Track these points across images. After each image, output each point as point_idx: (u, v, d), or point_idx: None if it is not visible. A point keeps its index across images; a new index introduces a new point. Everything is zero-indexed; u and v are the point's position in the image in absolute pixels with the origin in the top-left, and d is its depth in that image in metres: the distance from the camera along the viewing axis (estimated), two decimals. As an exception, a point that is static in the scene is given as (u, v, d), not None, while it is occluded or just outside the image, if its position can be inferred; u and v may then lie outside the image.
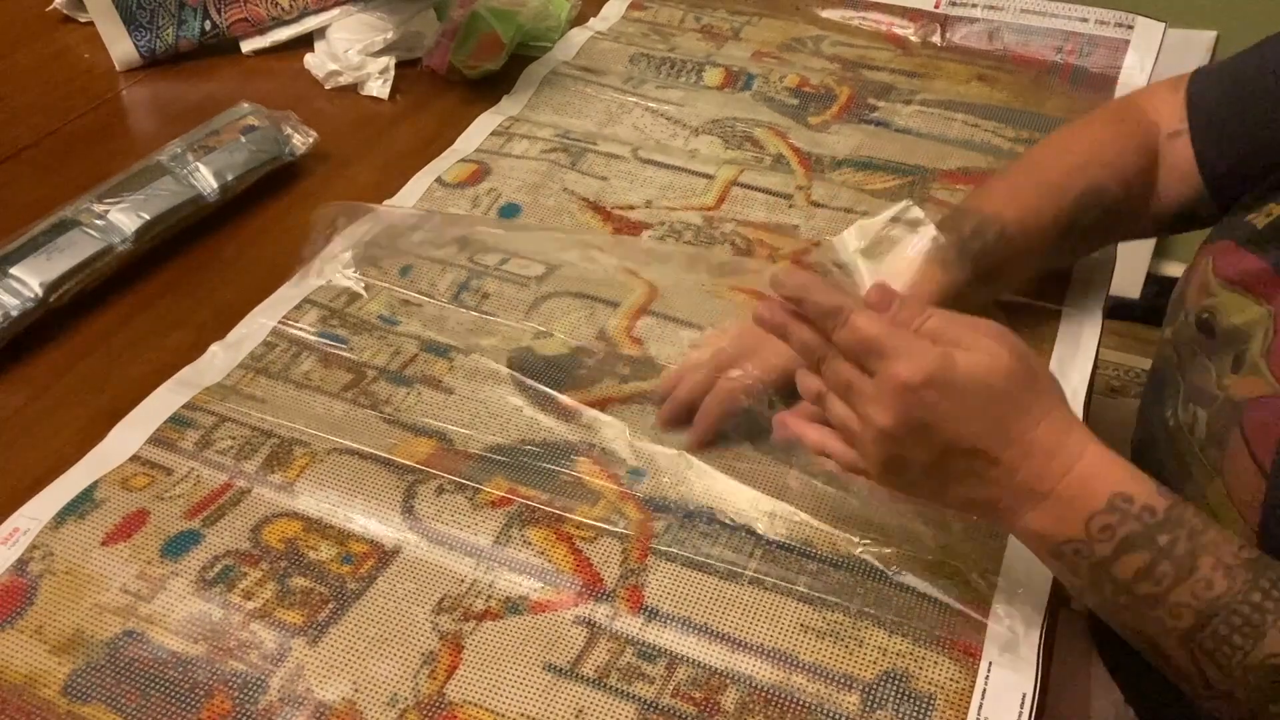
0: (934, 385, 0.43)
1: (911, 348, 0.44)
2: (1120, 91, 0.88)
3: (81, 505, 0.55)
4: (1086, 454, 0.44)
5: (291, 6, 0.92)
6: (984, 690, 0.46)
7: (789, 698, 0.47)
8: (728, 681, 0.47)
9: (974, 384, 0.43)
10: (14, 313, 0.64)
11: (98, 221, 0.69)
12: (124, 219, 0.70)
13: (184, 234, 0.73)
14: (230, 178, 0.75)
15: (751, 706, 0.46)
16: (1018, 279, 0.64)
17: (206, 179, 0.74)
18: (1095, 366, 0.66)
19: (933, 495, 0.47)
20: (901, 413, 0.43)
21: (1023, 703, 0.46)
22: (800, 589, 0.51)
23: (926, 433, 0.44)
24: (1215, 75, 0.64)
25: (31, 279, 0.65)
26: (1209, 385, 0.58)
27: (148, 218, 0.70)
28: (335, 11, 0.91)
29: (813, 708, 0.46)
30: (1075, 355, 0.64)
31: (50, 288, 0.65)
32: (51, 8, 0.99)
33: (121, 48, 0.91)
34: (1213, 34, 0.90)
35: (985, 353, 0.44)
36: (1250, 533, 0.54)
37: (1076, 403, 0.61)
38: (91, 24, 0.92)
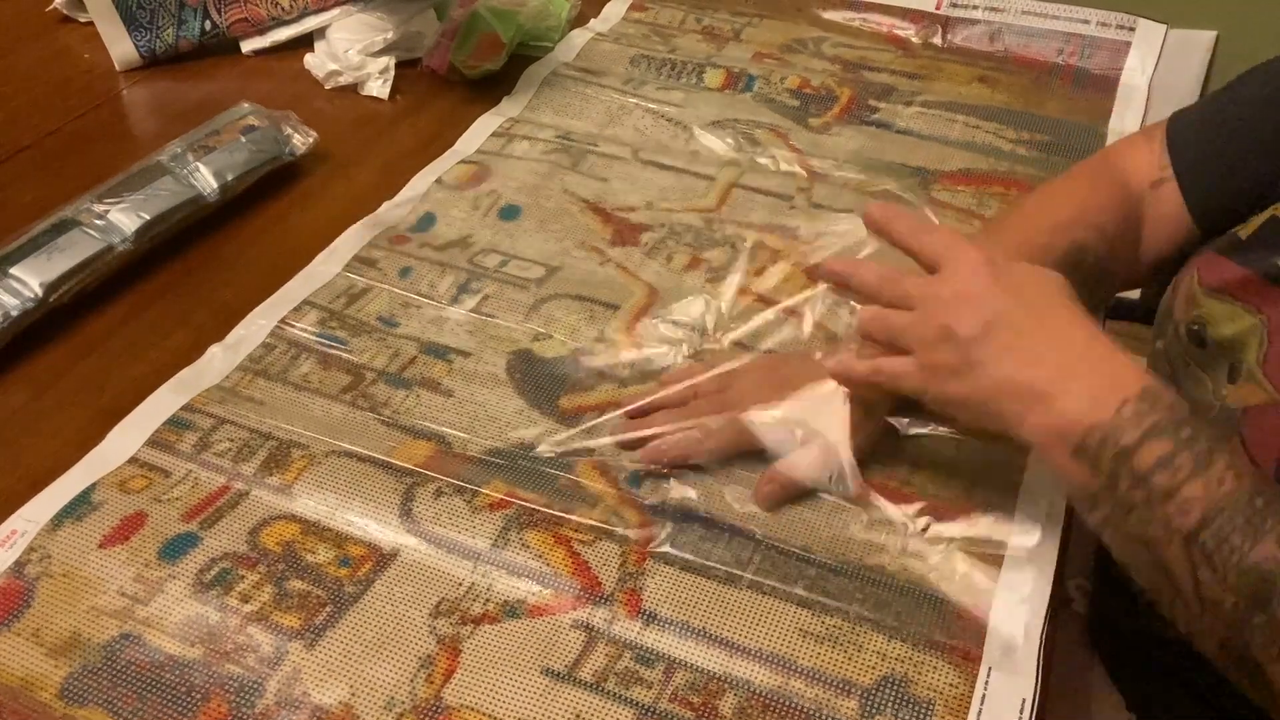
0: (990, 261, 0.50)
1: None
2: (1122, 92, 0.88)
3: (79, 507, 0.55)
4: (1119, 352, 0.48)
5: (291, 6, 0.92)
6: (983, 696, 0.46)
7: (787, 703, 0.46)
8: (726, 686, 0.47)
9: (1025, 269, 0.51)
10: (14, 313, 0.64)
11: (98, 221, 0.69)
12: (124, 219, 0.70)
13: (184, 234, 0.73)
14: (230, 178, 0.75)
15: (749, 712, 0.46)
16: None
17: (206, 179, 0.74)
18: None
19: (974, 383, 0.48)
20: (952, 282, 0.49)
21: (1022, 708, 0.46)
22: (799, 593, 0.51)
23: (978, 302, 0.48)
24: (1192, 118, 0.65)
25: (31, 279, 0.65)
26: (1205, 395, 0.58)
27: (148, 218, 0.70)
28: (335, 11, 0.91)
29: (811, 713, 0.46)
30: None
31: (50, 288, 0.65)
32: (51, 8, 0.99)
33: (121, 48, 0.91)
34: (1213, 34, 0.90)
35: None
36: None
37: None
38: (91, 24, 0.92)
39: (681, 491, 0.56)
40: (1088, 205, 0.64)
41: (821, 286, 0.62)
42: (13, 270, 0.65)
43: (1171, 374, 0.61)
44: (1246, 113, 0.62)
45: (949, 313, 0.49)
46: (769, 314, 0.67)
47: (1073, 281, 0.62)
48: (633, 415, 0.60)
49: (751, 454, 0.57)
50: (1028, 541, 0.53)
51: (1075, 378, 0.47)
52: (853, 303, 0.66)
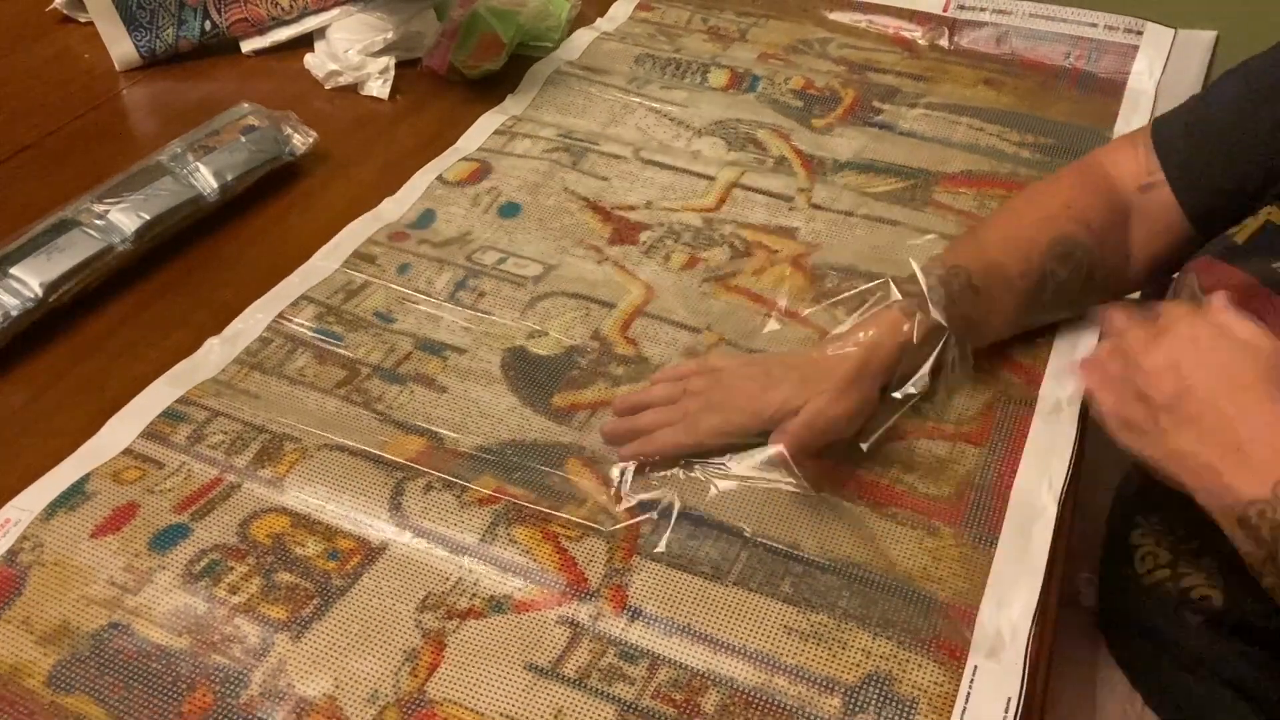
0: (1213, 326, 0.52)
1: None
2: (1129, 96, 0.88)
3: (73, 497, 0.55)
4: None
5: (291, 6, 0.92)
6: (968, 694, 0.46)
7: (770, 700, 0.46)
8: (709, 683, 0.47)
9: (1247, 335, 0.51)
10: (14, 313, 0.64)
11: (98, 221, 0.69)
12: (124, 219, 0.70)
13: (184, 234, 0.74)
14: (230, 178, 0.75)
15: (732, 709, 0.46)
16: (997, 329, 0.63)
17: (206, 179, 0.75)
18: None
19: (1155, 447, 0.52)
20: (1165, 347, 0.52)
21: (1007, 707, 0.45)
22: (785, 590, 0.51)
23: (1178, 371, 0.51)
24: (1175, 122, 0.66)
25: (31, 279, 0.65)
26: None
27: (148, 218, 0.71)
28: (335, 11, 0.91)
29: (794, 710, 0.46)
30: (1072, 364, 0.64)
31: (50, 288, 0.66)
32: (51, 8, 1.00)
33: (121, 48, 0.91)
34: (1213, 34, 0.89)
35: (1252, 327, 0.52)
36: None
37: (1072, 411, 0.61)
38: (91, 24, 0.93)
39: (670, 489, 0.56)
40: (1073, 202, 0.65)
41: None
42: (13, 270, 0.65)
43: None
44: (1230, 114, 0.62)
45: (1150, 377, 0.52)
46: (763, 313, 0.67)
47: (1063, 275, 0.62)
48: (620, 412, 0.60)
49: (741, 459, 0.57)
50: (1019, 542, 0.53)
51: (1245, 455, 0.49)
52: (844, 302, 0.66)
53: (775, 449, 0.55)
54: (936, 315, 0.59)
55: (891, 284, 0.60)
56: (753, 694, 0.47)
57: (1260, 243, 0.58)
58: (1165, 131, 0.66)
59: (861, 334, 0.59)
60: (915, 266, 0.60)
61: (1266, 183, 0.58)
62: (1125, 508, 0.67)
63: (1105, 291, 0.65)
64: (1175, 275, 0.63)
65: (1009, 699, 0.46)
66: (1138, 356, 0.53)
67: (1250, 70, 0.62)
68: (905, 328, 0.58)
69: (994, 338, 0.63)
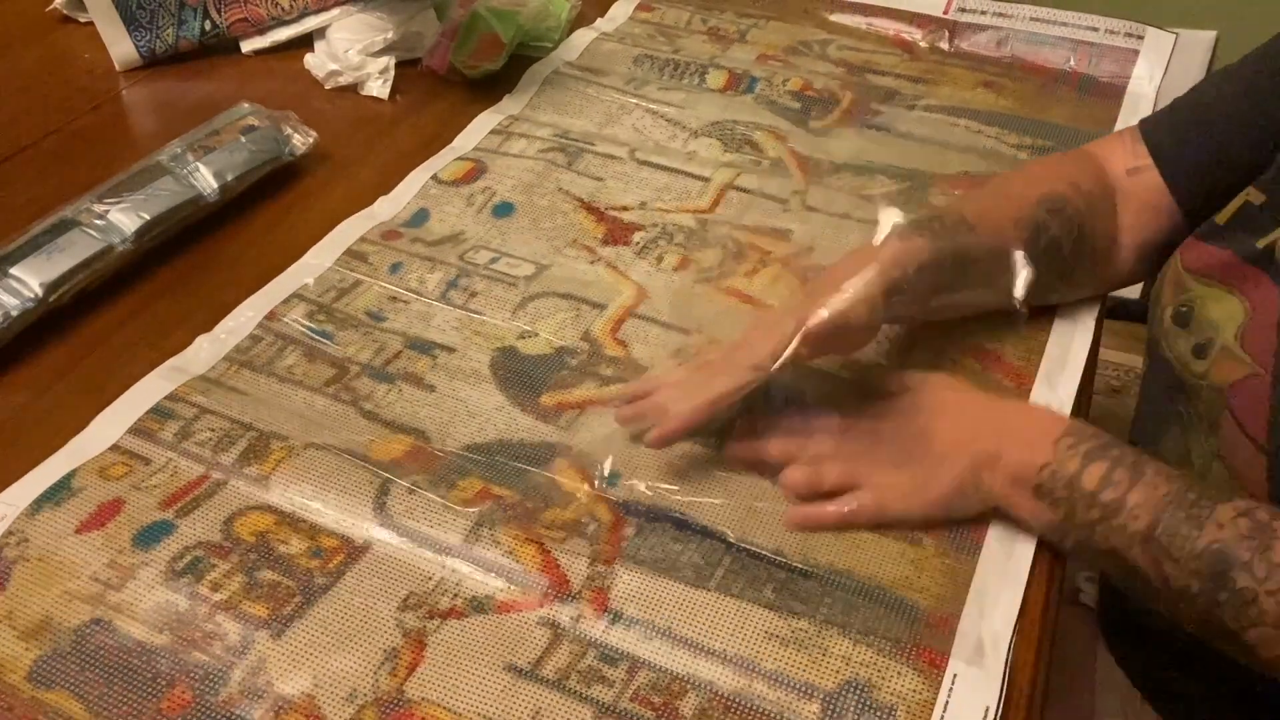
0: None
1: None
2: (1128, 100, 0.87)
3: (59, 493, 0.55)
4: (1034, 405, 0.58)
5: (291, 6, 0.92)
6: (946, 703, 0.46)
7: (748, 705, 0.46)
8: (688, 687, 0.47)
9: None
10: (14, 313, 0.64)
11: (98, 221, 0.70)
12: (124, 219, 0.70)
13: (184, 234, 0.74)
14: (230, 178, 0.75)
15: (710, 713, 0.46)
16: (988, 279, 0.61)
17: (206, 179, 0.75)
18: (1095, 367, 0.65)
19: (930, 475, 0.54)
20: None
21: (985, 715, 0.45)
22: (767, 596, 0.50)
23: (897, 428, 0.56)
24: (1163, 118, 0.67)
25: (31, 279, 0.65)
26: (1186, 375, 0.59)
27: (148, 218, 0.71)
28: (335, 11, 0.91)
29: (772, 715, 0.46)
30: (1065, 365, 0.63)
31: (50, 288, 0.66)
32: (51, 8, 1.00)
33: (121, 48, 0.92)
34: (1213, 34, 0.88)
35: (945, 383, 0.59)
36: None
37: (1065, 412, 0.60)
38: (91, 24, 0.93)
39: (656, 492, 0.55)
40: (1062, 171, 0.66)
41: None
42: (13, 270, 0.66)
43: (1153, 361, 0.62)
44: (1217, 104, 0.64)
45: (880, 448, 0.56)
46: (754, 315, 0.67)
47: (1055, 230, 0.62)
48: (636, 397, 0.60)
49: (727, 462, 0.57)
50: (1002, 550, 0.53)
51: (1016, 433, 0.53)
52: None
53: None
54: (933, 240, 0.58)
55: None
56: (731, 698, 0.46)
57: (1240, 220, 0.59)
58: (1153, 123, 0.67)
59: (858, 263, 0.57)
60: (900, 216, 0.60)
61: (1251, 169, 0.59)
62: None
63: (1096, 268, 0.65)
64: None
65: (987, 707, 0.45)
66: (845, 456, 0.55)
67: (1238, 65, 0.64)
68: (901, 250, 0.57)
69: (986, 299, 0.62)
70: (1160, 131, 0.66)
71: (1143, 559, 0.49)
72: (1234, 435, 0.56)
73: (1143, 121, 0.68)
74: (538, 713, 0.46)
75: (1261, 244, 0.57)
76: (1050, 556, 0.53)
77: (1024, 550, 0.53)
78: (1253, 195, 0.59)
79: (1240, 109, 0.63)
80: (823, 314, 0.53)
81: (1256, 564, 0.46)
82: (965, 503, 0.53)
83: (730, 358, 0.58)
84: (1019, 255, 0.60)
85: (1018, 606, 0.50)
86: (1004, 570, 0.51)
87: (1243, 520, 0.47)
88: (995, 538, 0.53)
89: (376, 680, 0.47)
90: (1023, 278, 0.59)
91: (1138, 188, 0.65)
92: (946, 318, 0.64)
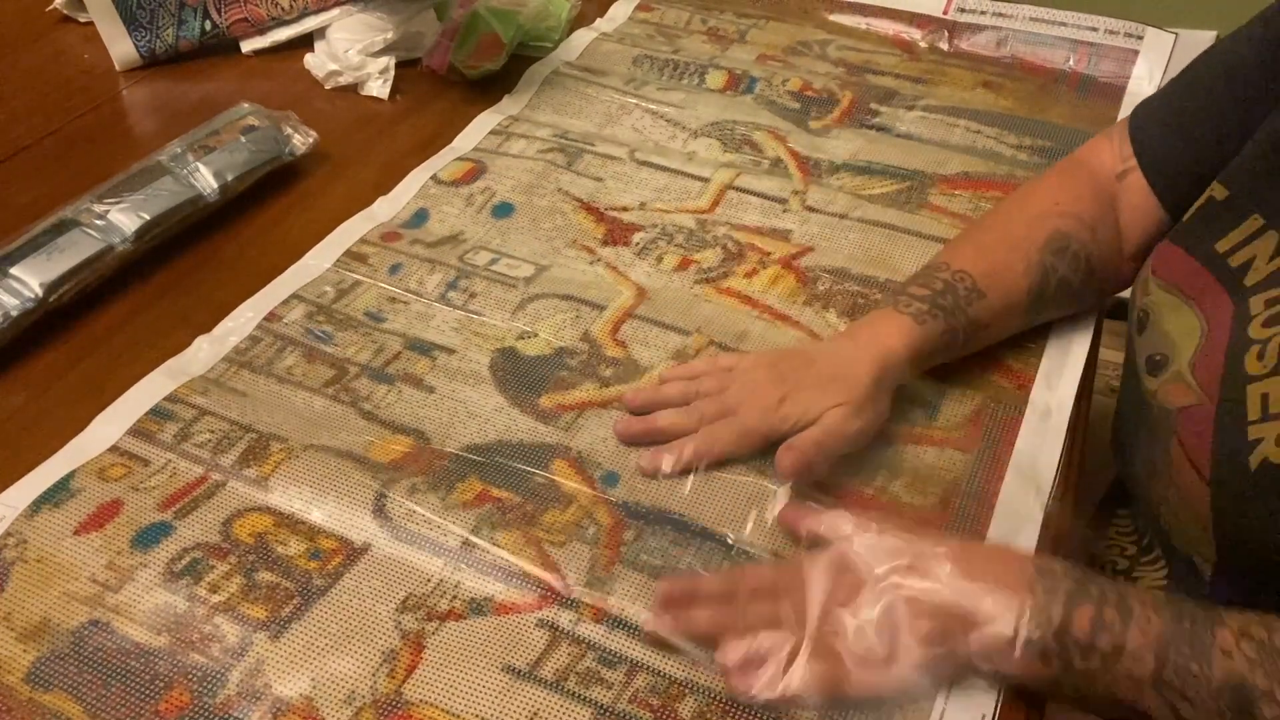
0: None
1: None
2: (1128, 100, 0.87)
3: (58, 494, 0.55)
4: (980, 543, 0.51)
5: (291, 6, 0.92)
6: (943, 711, 0.45)
7: (746, 709, 0.46)
8: (686, 690, 0.47)
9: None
10: (14, 313, 0.64)
11: (98, 221, 0.70)
12: (124, 219, 0.70)
13: (184, 234, 0.74)
14: (230, 178, 0.75)
15: (709, 716, 0.46)
16: (1003, 330, 0.63)
17: (206, 179, 0.75)
18: (1095, 367, 0.65)
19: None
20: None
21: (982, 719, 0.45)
22: None
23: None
24: (1153, 106, 0.65)
25: (31, 279, 0.65)
26: (1141, 388, 0.58)
27: (148, 218, 0.71)
28: (335, 11, 0.91)
29: (771, 718, 0.46)
30: (1064, 366, 0.63)
31: (50, 288, 0.66)
32: (51, 8, 1.00)
33: (121, 48, 0.92)
34: (1212, 34, 0.88)
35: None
36: (1207, 540, 0.53)
37: (1063, 414, 0.60)
38: (91, 24, 0.93)
39: (656, 494, 0.55)
40: (1061, 197, 0.65)
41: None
42: (13, 270, 0.66)
43: (1126, 360, 0.62)
44: (1197, 94, 0.62)
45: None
46: (753, 315, 0.67)
47: (1063, 270, 0.62)
48: (634, 409, 0.60)
49: (727, 464, 0.57)
50: (1002, 551, 0.53)
51: (980, 591, 0.46)
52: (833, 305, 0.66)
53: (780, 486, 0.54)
54: (947, 320, 0.59)
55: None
56: (730, 701, 0.46)
57: (1200, 219, 0.57)
58: (1141, 118, 0.65)
59: (870, 336, 0.58)
60: (918, 270, 0.60)
61: (1224, 160, 0.58)
62: (1095, 510, 0.67)
63: (1105, 283, 0.65)
64: None
65: (983, 715, 0.45)
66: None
67: (1219, 49, 0.62)
68: (917, 334, 0.58)
69: (999, 339, 0.63)
70: (1147, 125, 0.65)
71: (1156, 703, 0.45)
72: (1180, 461, 0.54)
73: (1135, 110, 0.66)
74: (536, 714, 0.46)
75: (1220, 247, 0.55)
76: (1050, 555, 0.53)
77: (1027, 548, 0.52)
78: (1216, 190, 0.57)
79: (1215, 95, 0.60)
80: (811, 456, 0.54)
81: (1277, 691, 0.43)
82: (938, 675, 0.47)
83: (736, 408, 0.57)
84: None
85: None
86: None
87: (1246, 644, 0.44)
88: (997, 537, 0.53)
89: (375, 682, 0.47)
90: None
91: (1127, 191, 0.64)
92: None
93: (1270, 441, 0.48)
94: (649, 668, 0.48)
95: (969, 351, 0.62)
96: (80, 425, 0.60)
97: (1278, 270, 0.52)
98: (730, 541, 0.53)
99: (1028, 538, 0.53)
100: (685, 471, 0.56)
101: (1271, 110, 0.55)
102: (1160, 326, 0.58)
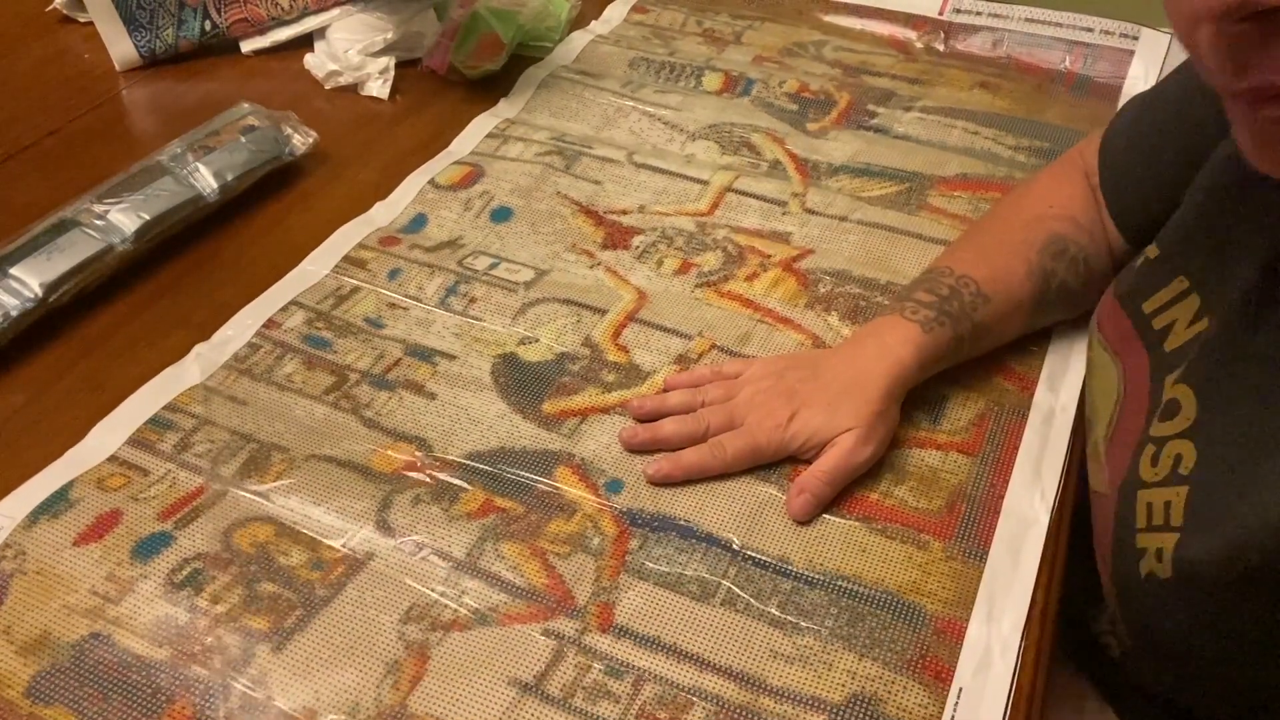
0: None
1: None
2: (1124, 101, 0.87)
3: (56, 504, 0.55)
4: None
5: (291, 6, 0.92)
6: (953, 717, 0.45)
7: (755, 718, 0.46)
8: (694, 700, 0.47)
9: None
10: (14, 313, 0.64)
11: (98, 221, 0.69)
12: (124, 219, 0.70)
13: (184, 234, 0.73)
14: (230, 178, 0.75)
15: (717, 725, 0.46)
16: (1001, 337, 0.63)
17: (206, 179, 0.74)
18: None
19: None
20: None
21: (992, 729, 0.45)
22: (773, 612, 0.50)
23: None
24: (1127, 115, 0.64)
25: (31, 279, 0.65)
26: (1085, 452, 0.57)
27: (148, 218, 0.70)
28: (335, 11, 0.90)
29: (779, 728, 0.45)
30: (1067, 368, 0.63)
31: (50, 288, 0.65)
32: (51, 8, 0.99)
33: (121, 48, 0.91)
34: (1212, 35, 0.88)
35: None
36: (1119, 616, 0.52)
37: (1067, 416, 0.60)
38: (91, 24, 0.92)
39: (661, 499, 0.55)
40: (1056, 200, 0.64)
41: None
42: (13, 270, 0.65)
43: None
44: (1162, 118, 0.60)
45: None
46: (755, 318, 0.67)
47: (1062, 274, 0.61)
48: (639, 416, 0.59)
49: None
50: (1009, 555, 0.53)
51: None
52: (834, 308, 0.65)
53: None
54: (954, 327, 0.58)
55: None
56: (738, 711, 0.46)
57: (1135, 273, 0.56)
58: (1116, 124, 0.64)
59: (879, 347, 0.58)
60: (922, 274, 0.60)
61: (1178, 195, 0.55)
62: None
63: (1103, 285, 0.64)
64: None
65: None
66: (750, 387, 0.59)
67: (1189, 65, 0.59)
68: (925, 342, 0.58)
69: (1000, 344, 0.63)
70: (1114, 140, 0.63)
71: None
72: (1100, 540, 0.53)
73: (1114, 118, 0.64)
74: (543, 726, 0.46)
75: (1147, 307, 0.54)
76: (1053, 559, 0.53)
77: (1032, 552, 0.52)
78: (1150, 250, 0.55)
79: (1170, 128, 0.59)
80: (825, 494, 0.54)
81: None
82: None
83: (743, 419, 0.57)
84: None
85: (1025, 611, 0.50)
86: (1012, 574, 0.51)
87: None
88: (1003, 540, 0.53)
89: (379, 694, 0.47)
90: None
91: (1100, 201, 0.64)
92: None
93: (1151, 554, 0.46)
94: (656, 677, 0.47)
95: (972, 356, 0.62)
96: (80, 426, 0.59)
97: (1192, 339, 0.50)
98: (736, 547, 0.53)
99: (1033, 541, 0.53)
100: (691, 482, 0.56)
101: (1222, 141, 0.52)
102: (1091, 384, 0.57)
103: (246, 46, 0.94)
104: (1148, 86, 0.87)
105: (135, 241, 0.70)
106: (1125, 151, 0.62)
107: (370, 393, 0.62)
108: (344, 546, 0.53)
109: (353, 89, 0.90)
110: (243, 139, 0.77)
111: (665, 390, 0.61)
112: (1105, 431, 0.54)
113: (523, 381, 0.63)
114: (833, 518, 0.54)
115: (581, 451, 0.58)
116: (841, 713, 0.46)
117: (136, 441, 0.58)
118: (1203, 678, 0.49)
